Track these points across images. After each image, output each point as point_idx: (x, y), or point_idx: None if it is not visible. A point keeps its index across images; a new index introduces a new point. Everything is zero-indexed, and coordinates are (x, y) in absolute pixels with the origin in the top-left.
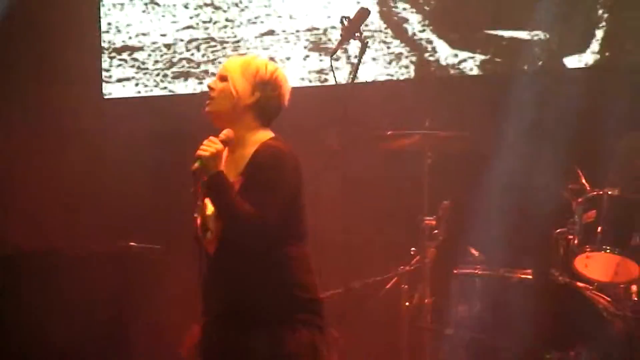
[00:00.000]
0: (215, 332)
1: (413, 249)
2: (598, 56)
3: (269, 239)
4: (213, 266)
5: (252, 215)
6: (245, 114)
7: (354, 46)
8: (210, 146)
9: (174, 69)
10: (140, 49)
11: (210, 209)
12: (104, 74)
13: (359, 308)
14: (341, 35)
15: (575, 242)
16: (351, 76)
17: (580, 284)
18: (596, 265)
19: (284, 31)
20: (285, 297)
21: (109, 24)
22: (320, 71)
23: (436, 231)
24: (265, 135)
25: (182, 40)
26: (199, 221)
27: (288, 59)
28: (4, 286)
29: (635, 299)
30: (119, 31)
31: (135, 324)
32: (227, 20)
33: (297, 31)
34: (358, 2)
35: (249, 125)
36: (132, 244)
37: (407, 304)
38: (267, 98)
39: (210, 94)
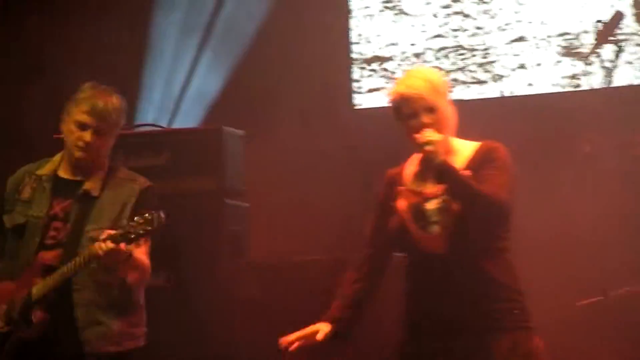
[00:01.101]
0: (440, 339)
1: None
2: None
3: (504, 222)
4: (438, 266)
5: (493, 193)
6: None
7: (607, 50)
8: (434, 134)
9: None
10: (390, 59)
11: (434, 202)
12: (354, 84)
13: (618, 318)
14: (595, 39)
15: None
16: (606, 80)
17: None
18: None
19: (534, 37)
20: (516, 303)
21: (359, 35)
22: (573, 76)
23: None
24: (465, 140)
25: (431, 49)
26: (408, 211)
27: (539, 65)
28: (272, 293)
29: None
30: (368, 42)
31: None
32: (476, 27)
33: (549, 36)
34: (612, 6)
35: (451, 136)
36: None
37: None
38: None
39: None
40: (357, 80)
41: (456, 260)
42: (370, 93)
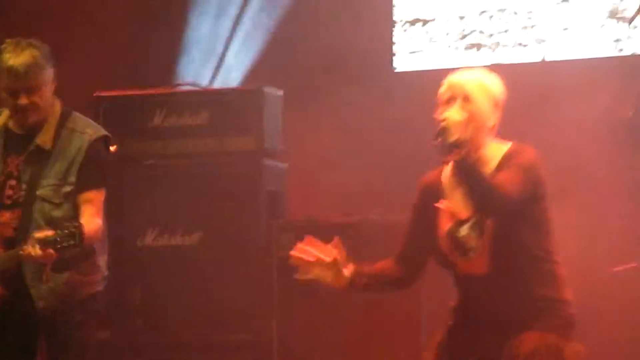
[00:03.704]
0: (475, 334)
1: None
2: None
3: (510, 213)
4: (480, 284)
5: (497, 186)
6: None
7: None
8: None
9: (466, 41)
10: (432, 20)
11: (465, 226)
12: (395, 47)
13: None
14: None
15: None
16: None
17: None
18: None
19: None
20: (556, 311)
21: None
22: (617, 40)
23: None
24: (501, 144)
25: (473, 10)
26: (446, 239)
27: (583, 28)
28: None
29: None
30: (410, 3)
31: None
32: None
33: None
34: None
35: (487, 138)
36: None
37: None
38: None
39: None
40: (397, 43)
41: (497, 277)
42: (412, 55)
